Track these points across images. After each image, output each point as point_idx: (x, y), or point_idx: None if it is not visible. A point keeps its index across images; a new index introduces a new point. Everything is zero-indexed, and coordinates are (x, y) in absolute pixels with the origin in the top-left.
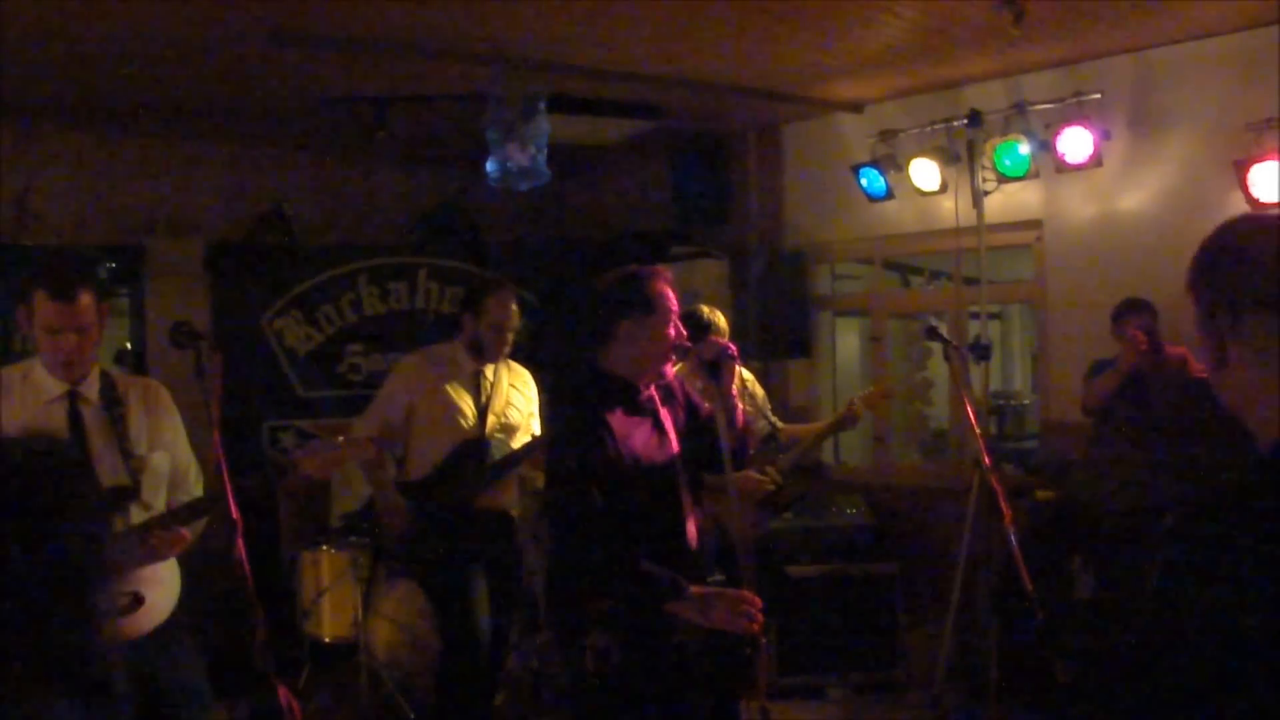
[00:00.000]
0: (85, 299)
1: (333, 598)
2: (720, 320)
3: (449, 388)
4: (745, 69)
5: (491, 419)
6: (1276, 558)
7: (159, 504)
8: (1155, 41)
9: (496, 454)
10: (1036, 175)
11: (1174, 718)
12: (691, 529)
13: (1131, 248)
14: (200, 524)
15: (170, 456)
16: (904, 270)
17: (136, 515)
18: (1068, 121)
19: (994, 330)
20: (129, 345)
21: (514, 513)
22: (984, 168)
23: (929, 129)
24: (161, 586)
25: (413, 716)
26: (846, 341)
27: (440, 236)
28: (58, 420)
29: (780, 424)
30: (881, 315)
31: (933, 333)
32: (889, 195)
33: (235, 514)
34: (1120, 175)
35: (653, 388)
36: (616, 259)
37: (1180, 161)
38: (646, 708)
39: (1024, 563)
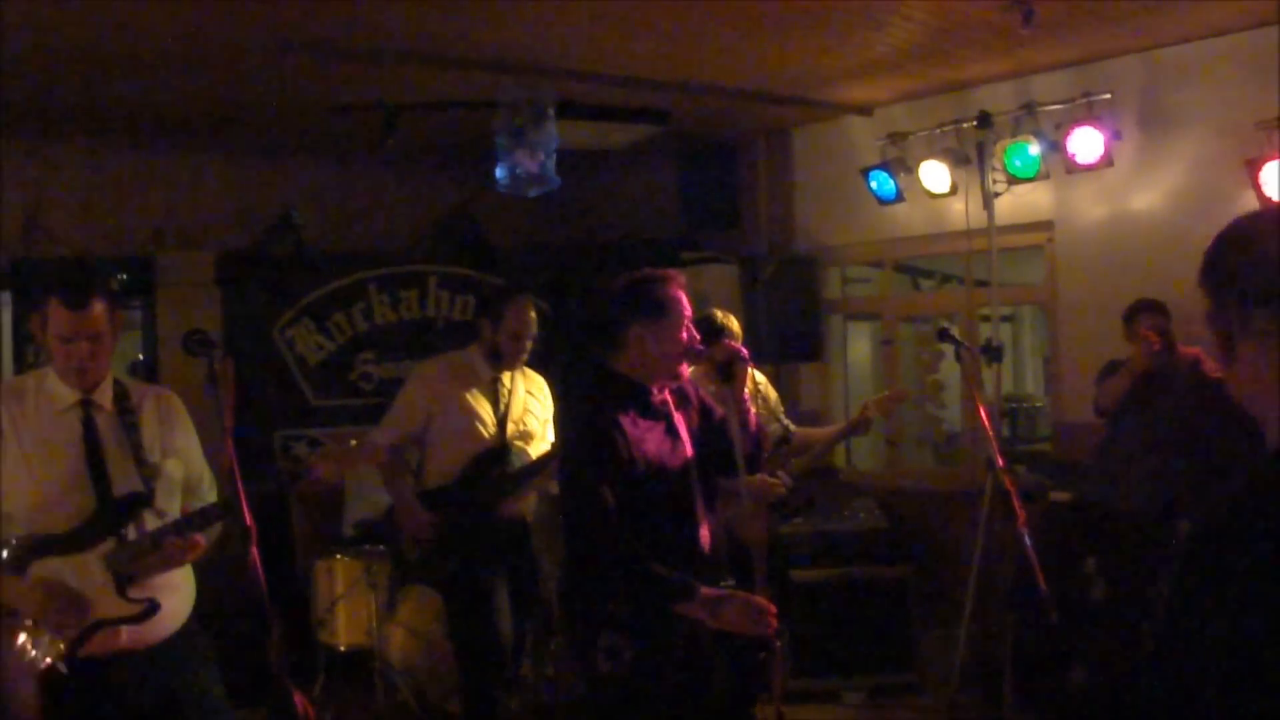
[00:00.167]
0: (98, 307)
1: (347, 606)
2: (733, 324)
3: (468, 395)
4: (754, 73)
5: (510, 426)
6: None
7: (173, 511)
8: (1165, 41)
9: (516, 462)
10: (1047, 176)
11: None
12: (705, 532)
13: (1143, 248)
14: (215, 531)
15: (184, 464)
16: (915, 273)
17: (151, 522)
18: (1078, 122)
19: (1006, 332)
20: (141, 356)
21: (529, 519)
22: (994, 169)
23: (938, 131)
24: (176, 593)
25: None
26: (858, 345)
27: (450, 244)
28: (72, 428)
29: (794, 427)
30: (893, 318)
31: (945, 335)
32: (899, 198)
33: (249, 520)
34: (1131, 175)
35: (666, 391)
36: (626, 265)
37: (1191, 161)
38: (659, 708)
39: (1038, 565)
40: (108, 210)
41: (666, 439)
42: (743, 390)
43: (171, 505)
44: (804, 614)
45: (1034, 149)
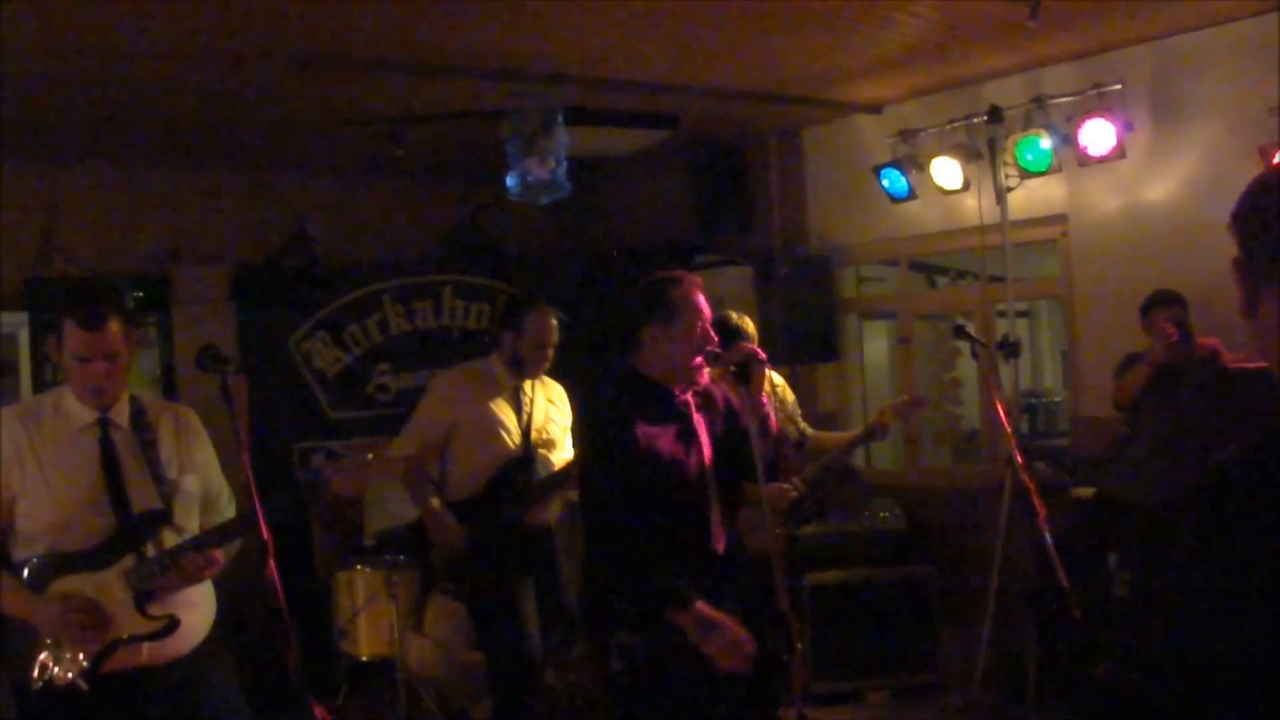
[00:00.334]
0: (114, 326)
1: (369, 616)
2: (748, 326)
3: (492, 405)
4: (763, 74)
5: (534, 435)
6: None
7: (191, 527)
8: (1173, 29)
9: (541, 471)
10: (1059, 169)
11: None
12: (719, 535)
13: (1158, 239)
14: (233, 547)
15: (201, 480)
16: (930, 270)
17: (170, 539)
18: (1089, 114)
19: (1023, 328)
20: (159, 372)
21: (553, 526)
22: (1006, 164)
23: (949, 127)
24: (197, 609)
25: None
26: (874, 344)
27: (464, 253)
28: (89, 447)
29: (810, 431)
30: (908, 316)
31: (960, 331)
32: (911, 195)
33: (266, 535)
34: (1144, 166)
35: (689, 394)
36: (640, 270)
37: (1204, 150)
38: (672, 707)
39: (1060, 561)
40: (123, 228)
41: (683, 441)
42: (760, 392)
43: (190, 522)
44: (826, 615)
45: (1045, 142)
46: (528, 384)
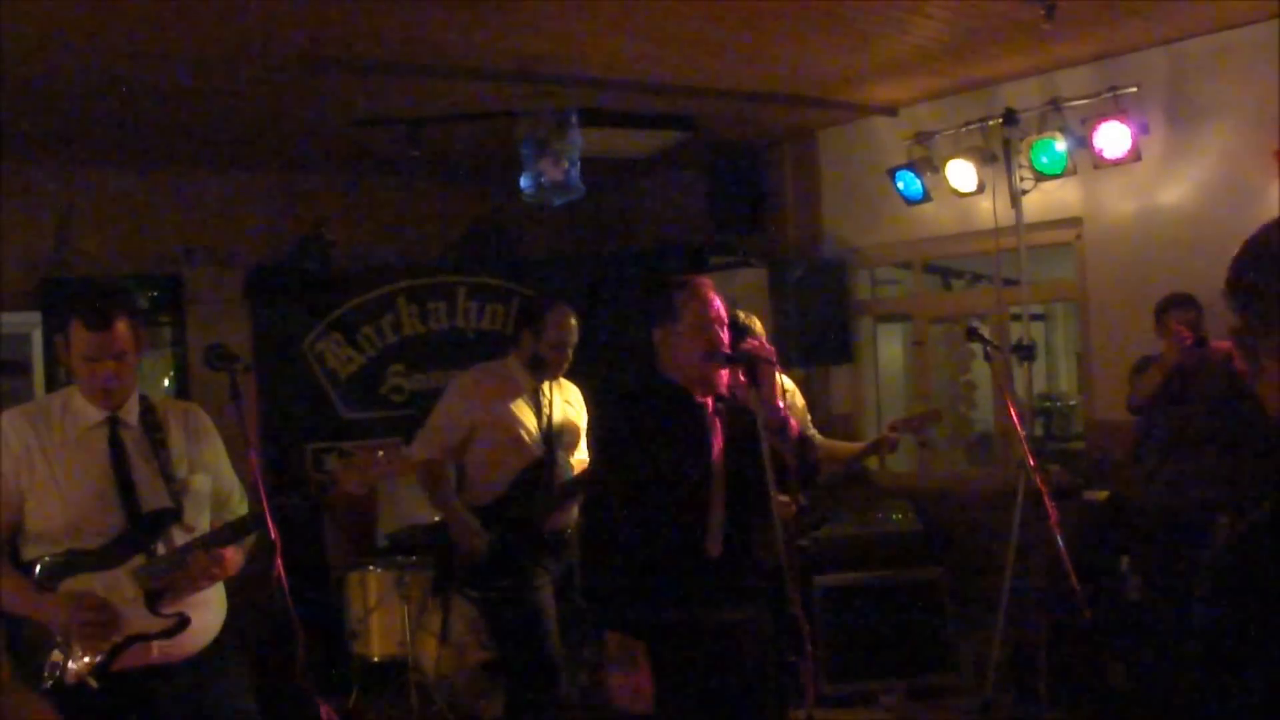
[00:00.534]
0: (121, 327)
1: (380, 617)
2: (756, 325)
3: (512, 406)
4: (778, 76)
5: (553, 436)
6: None
7: (202, 526)
8: (1189, 32)
9: (562, 473)
10: (1074, 172)
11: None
12: (714, 540)
13: (1173, 242)
14: (248, 543)
15: (212, 478)
16: (946, 273)
17: (180, 538)
18: (1104, 116)
19: (1038, 331)
20: (172, 374)
21: (571, 531)
22: (1021, 166)
23: (964, 129)
24: (207, 608)
25: None
26: (889, 347)
27: (477, 254)
28: (99, 446)
29: (820, 438)
30: (923, 319)
31: (973, 334)
32: (926, 198)
33: (274, 533)
34: (1159, 169)
35: (709, 398)
36: (654, 271)
37: (1219, 153)
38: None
39: (1073, 564)
40: (137, 229)
41: (690, 445)
42: (773, 392)
43: (200, 520)
44: (839, 617)
45: (1060, 145)
46: (546, 385)
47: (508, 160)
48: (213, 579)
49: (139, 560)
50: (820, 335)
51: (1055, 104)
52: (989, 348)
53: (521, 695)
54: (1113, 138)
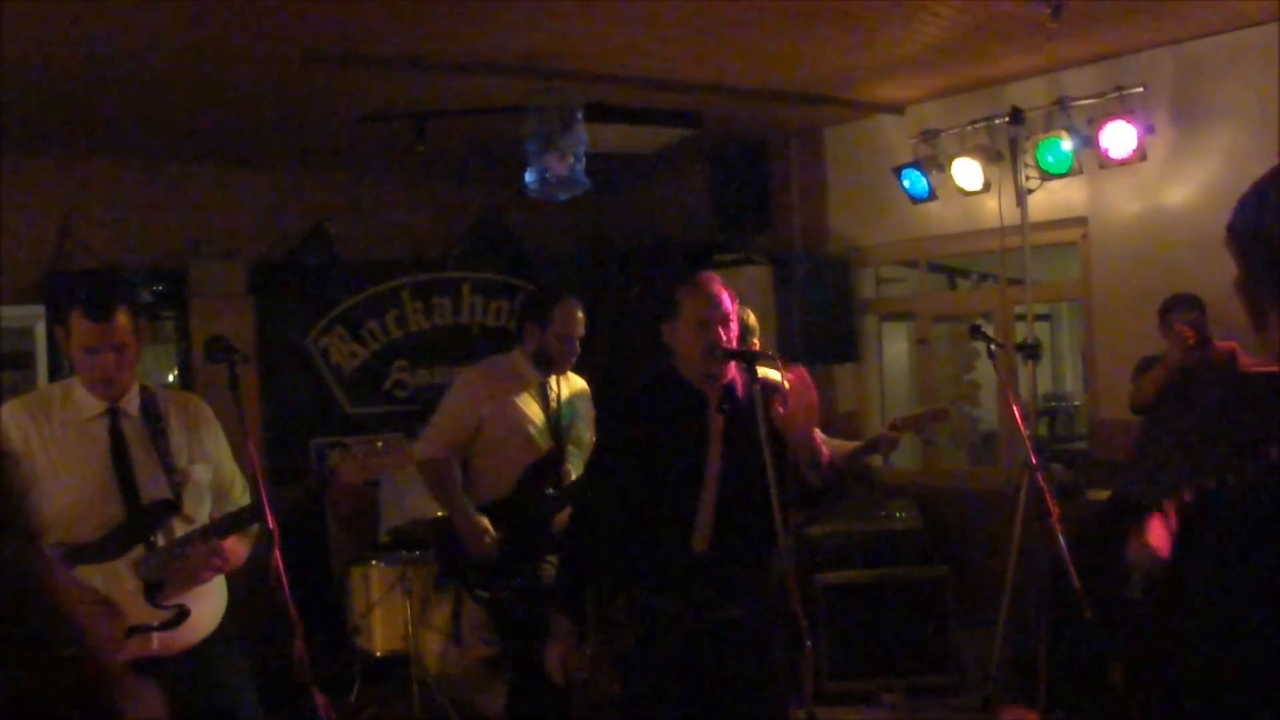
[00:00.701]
0: (121, 318)
1: (383, 612)
2: (750, 319)
3: (519, 401)
4: (784, 73)
5: (562, 431)
6: None
7: (202, 517)
8: (1196, 33)
9: (572, 469)
10: (1080, 171)
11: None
12: (701, 536)
13: (1178, 242)
14: (251, 537)
15: (212, 469)
16: (951, 272)
17: (180, 529)
18: (1110, 116)
19: (1043, 331)
20: (176, 368)
21: None
22: (1027, 165)
23: (970, 128)
24: (208, 599)
25: None
26: (893, 345)
27: (482, 250)
28: (99, 437)
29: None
30: (928, 318)
31: (977, 332)
32: (932, 196)
33: (272, 525)
34: (1165, 169)
35: (715, 393)
36: (659, 268)
37: (1225, 153)
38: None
39: (1075, 563)
40: (142, 223)
41: (689, 440)
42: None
43: (200, 511)
44: (841, 615)
45: (1066, 144)
46: (553, 379)
47: (513, 156)
48: (214, 570)
49: (139, 552)
50: (825, 333)
51: (1061, 103)
52: (993, 347)
53: (527, 692)
54: (1118, 137)
